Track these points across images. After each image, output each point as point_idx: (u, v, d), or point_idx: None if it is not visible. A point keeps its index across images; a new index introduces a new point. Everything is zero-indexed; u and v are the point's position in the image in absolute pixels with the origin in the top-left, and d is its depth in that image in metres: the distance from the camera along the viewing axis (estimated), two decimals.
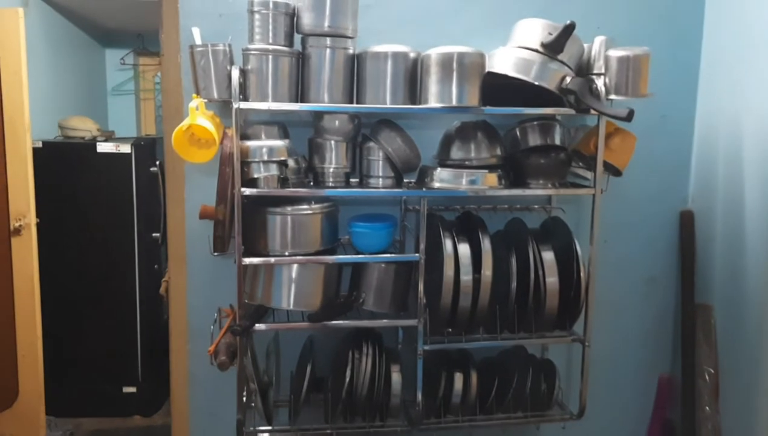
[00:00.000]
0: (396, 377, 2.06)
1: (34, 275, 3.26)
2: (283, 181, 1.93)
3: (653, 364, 2.55)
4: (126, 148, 3.52)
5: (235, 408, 2.00)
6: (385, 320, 2.05)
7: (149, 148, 3.63)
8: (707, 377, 2.33)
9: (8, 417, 3.32)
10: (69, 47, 4.60)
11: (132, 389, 3.69)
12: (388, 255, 2.04)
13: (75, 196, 3.55)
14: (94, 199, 3.56)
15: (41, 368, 3.33)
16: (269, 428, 2.07)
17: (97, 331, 3.66)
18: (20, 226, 3.21)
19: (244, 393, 2.00)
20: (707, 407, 2.32)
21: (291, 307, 1.97)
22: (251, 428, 2.08)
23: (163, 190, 3.59)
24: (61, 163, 3.53)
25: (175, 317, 2.27)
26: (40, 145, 3.44)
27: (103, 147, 3.53)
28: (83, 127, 3.74)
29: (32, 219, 3.24)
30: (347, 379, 1.97)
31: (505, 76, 1.88)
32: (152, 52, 5.27)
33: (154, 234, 3.64)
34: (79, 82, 4.75)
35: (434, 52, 1.86)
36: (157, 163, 3.61)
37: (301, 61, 1.92)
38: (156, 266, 3.69)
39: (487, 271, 1.98)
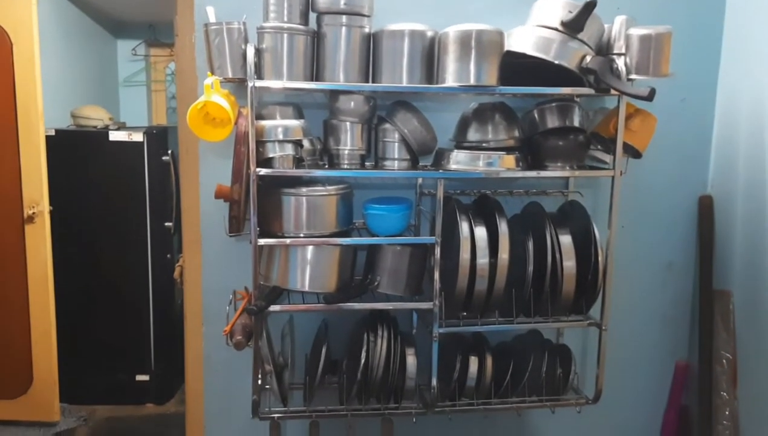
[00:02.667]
0: (411, 359, 2.04)
1: (47, 262, 3.28)
2: (298, 162, 1.92)
3: (670, 349, 2.52)
4: (138, 137, 3.52)
5: (250, 390, 1.99)
6: (400, 303, 2.03)
7: (161, 137, 3.63)
8: (725, 363, 2.31)
9: (23, 403, 3.34)
10: (81, 37, 4.61)
11: (145, 378, 3.71)
12: (404, 238, 2.03)
13: (88, 185, 3.56)
14: (107, 188, 3.57)
15: (55, 355, 3.35)
16: (284, 409, 2.06)
17: (110, 320, 3.68)
18: (33, 213, 3.22)
19: (260, 375, 1.99)
20: (724, 393, 2.30)
21: (306, 289, 1.96)
22: (266, 409, 2.07)
23: (175, 179, 3.60)
24: (74, 152, 3.53)
25: (190, 300, 2.26)
26: (52, 133, 3.45)
27: (115, 135, 3.54)
28: (95, 116, 3.75)
29: (45, 207, 3.26)
30: (362, 361, 1.96)
31: (524, 55, 1.86)
32: (164, 43, 5.27)
33: (166, 223, 3.65)
34: (91, 73, 4.76)
35: (452, 30, 1.83)
36: (169, 152, 3.62)
37: (317, 40, 1.90)
38: (168, 256, 3.70)
39: (503, 254, 1.96)
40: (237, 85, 2.01)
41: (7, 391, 3.35)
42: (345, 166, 1.99)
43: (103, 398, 3.68)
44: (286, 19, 1.86)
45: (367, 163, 2.07)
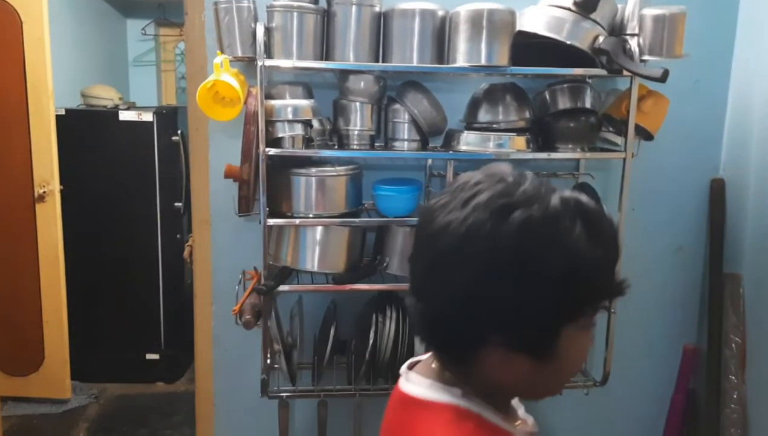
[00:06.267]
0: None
1: (58, 241, 3.30)
2: (307, 142, 1.91)
3: (679, 332, 2.51)
4: (148, 117, 3.53)
5: (259, 369, 2.01)
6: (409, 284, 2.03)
7: (171, 117, 3.63)
8: (734, 347, 2.30)
9: (35, 381, 3.38)
10: (91, 16, 4.61)
11: (155, 356, 3.75)
12: (414, 219, 2.03)
13: (98, 164, 3.57)
14: (117, 168, 3.58)
15: (66, 333, 3.38)
16: (293, 388, 2.07)
17: (121, 299, 3.71)
18: (44, 193, 3.24)
19: (268, 354, 2.00)
20: (732, 377, 2.29)
21: (315, 269, 1.96)
22: (275, 388, 2.08)
23: (185, 159, 3.61)
24: (84, 131, 3.55)
25: (200, 279, 2.28)
26: (63, 112, 3.46)
27: (125, 115, 3.54)
28: (105, 95, 3.76)
29: (56, 186, 3.27)
30: (371, 341, 1.97)
31: (536, 35, 1.84)
32: (173, 22, 5.26)
33: (176, 203, 3.66)
34: (101, 52, 4.76)
35: (463, 9, 1.82)
36: (179, 132, 3.62)
37: (327, 18, 1.88)
38: (178, 236, 3.72)
39: None
40: (246, 64, 2.00)
41: (20, 368, 3.39)
42: (354, 147, 1.98)
43: (113, 376, 3.72)
44: None
45: (376, 144, 2.06)
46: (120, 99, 3.79)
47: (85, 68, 4.38)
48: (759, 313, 2.24)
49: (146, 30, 5.31)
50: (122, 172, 3.58)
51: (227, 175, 1.96)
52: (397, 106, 1.98)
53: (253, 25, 1.83)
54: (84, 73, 4.29)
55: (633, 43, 1.87)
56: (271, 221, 1.89)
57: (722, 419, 2.31)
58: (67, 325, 3.39)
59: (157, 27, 5.37)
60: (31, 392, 3.42)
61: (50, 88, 3.18)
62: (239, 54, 1.86)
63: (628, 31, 1.91)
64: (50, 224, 3.28)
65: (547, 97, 2.04)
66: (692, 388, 2.53)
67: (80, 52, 4.29)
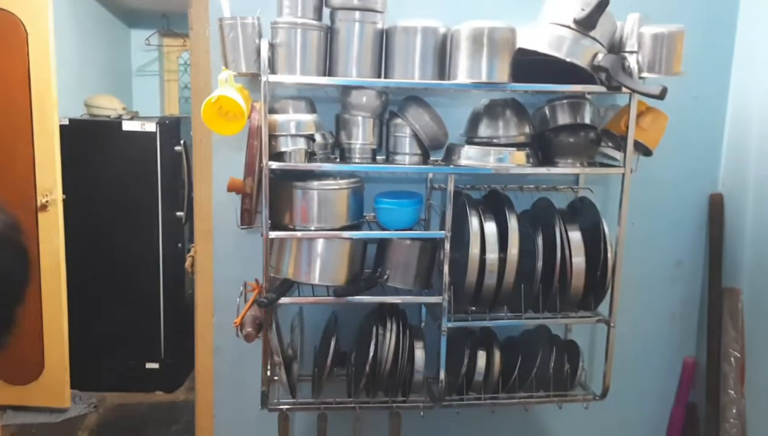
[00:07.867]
0: (419, 353, 2.05)
1: (59, 250, 3.31)
2: (310, 156, 1.93)
3: (678, 346, 2.53)
4: (151, 127, 3.55)
5: (260, 381, 2.02)
6: (409, 297, 2.05)
7: (174, 127, 3.65)
8: (733, 361, 2.31)
9: (35, 390, 3.39)
10: (95, 26, 4.64)
11: (155, 365, 3.75)
12: (414, 232, 2.04)
13: (100, 174, 3.59)
14: (119, 177, 3.60)
15: (66, 342, 3.40)
16: (293, 400, 2.08)
17: (121, 308, 3.72)
18: (47, 202, 3.26)
19: (269, 366, 2.01)
20: (732, 391, 2.30)
21: (317, 281, 1.97)
22: (275, 401, 2.09)
23: (187, 169, 3.63)
24: (87, 141, 3.57)
25: (201, 290, 2.29)
26: (66, 122, 3.48)
27: (128, 125, 3.56)
28: (109, 105, 3.78)
29: (58, 195, 3.29)
30: (371, 354, 1.98)
31: (536, 52, 1.86)
32: (177, 33, 5.29)
33: (177, 213, 3.68)
34: (105, 62, 4.79)
35: (464, 27, 1.84)
36: (182, 142, 3.64)
37: (330, 35, 1.91)
38: (179, 245, 3.73)
39: (513, 249, 1.96)
40: (251, 79, 2.02)
41: (19, 377, 3.40)
42: (356, 161, 2.00)
43: (113, 385, 3.73)
44: (300, 14, 1.87)
45: (378, 158, 2.07)
46: (123, 109, 3.81)
47: (89, 78, 4.41)
48: (758, 327, 2.26)
49: (150, 40, 5.34)
50: (125, 181, 3.60)
51: (230, 189, 1.98)
52: (398, 120, 2.00)
53: (257, 41, 1.85)
54: (88, 83, 4.32)
55: (632, 61, 1.90)
56: (273, 234, 1.90)
57: (722, 433, 2.32)
58: (67, 334, 3.40)
59: (160, 37, 5.40)
60: (30, 401, 3.42)
61: (54, 99, 3.20)
62: (243, 69, 1.88)
63: (627, 49, 1.94)
64: (52, 233, 3.30)
65: (547, 112, 2.06)
66: (692, 402, 2.54)
67: (84, 62, 4.32)
